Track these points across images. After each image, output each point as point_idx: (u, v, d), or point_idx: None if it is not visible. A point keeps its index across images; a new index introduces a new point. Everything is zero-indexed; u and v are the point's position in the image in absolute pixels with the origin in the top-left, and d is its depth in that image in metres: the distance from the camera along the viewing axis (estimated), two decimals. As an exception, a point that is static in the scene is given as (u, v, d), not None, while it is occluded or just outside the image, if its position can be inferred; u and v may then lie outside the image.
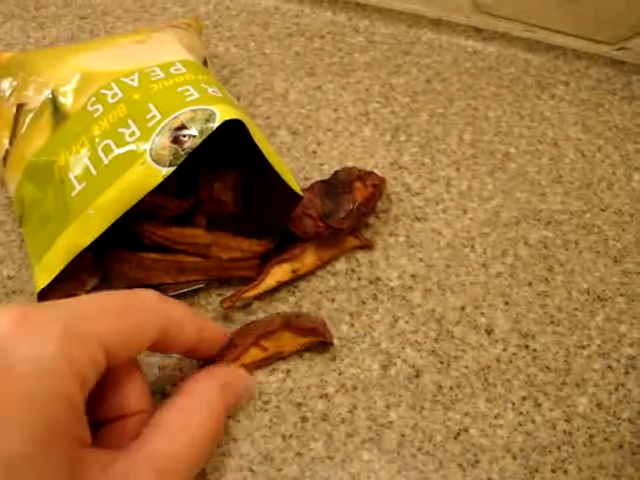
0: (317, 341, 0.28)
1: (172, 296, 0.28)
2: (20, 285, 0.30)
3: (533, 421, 0.28)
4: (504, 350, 0.30)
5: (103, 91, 0.28)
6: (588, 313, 0.31)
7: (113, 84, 0.28)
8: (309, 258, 0.31)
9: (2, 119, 0.30)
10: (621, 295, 0.32)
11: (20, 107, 0.29)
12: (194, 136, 0.25)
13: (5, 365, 0.17)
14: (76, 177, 0.26)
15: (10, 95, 0.30)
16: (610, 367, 0.30)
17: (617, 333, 0.31)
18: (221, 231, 0.30)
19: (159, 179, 0.25)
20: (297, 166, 0.36)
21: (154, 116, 0.26)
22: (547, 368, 0.29)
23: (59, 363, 0.18)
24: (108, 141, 0.26)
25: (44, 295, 0.26)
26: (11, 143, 0.29)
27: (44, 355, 0.18)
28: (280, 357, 0.28)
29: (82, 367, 0.18)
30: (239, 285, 0.30)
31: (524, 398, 0.28)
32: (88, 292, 0.28)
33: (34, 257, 0.27)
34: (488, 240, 0.34)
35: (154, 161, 0.25)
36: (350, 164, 0.36)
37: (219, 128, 0.25)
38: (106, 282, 0.29)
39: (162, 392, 0.27)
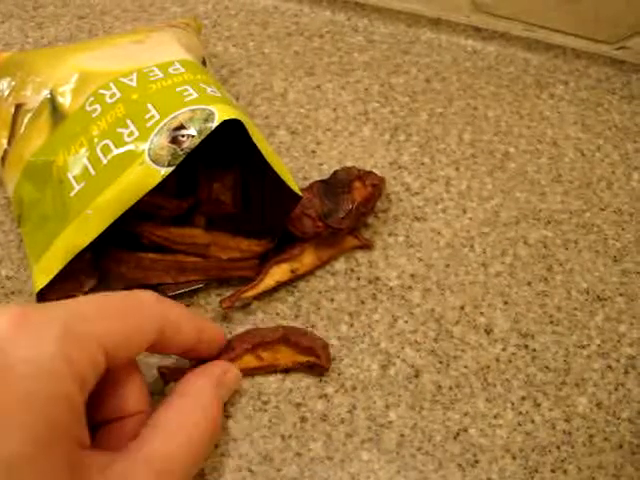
0: (313, 362, 0.28)
1: (171, 296, 0.28)
2: (19, 285, 0.30)
3: (532, 421, 0.28)
4: (503, 350, 0.30)
5: (101, 91, 0.28)
6: (588, 313, 0.31)
7: (111, 84, 0.28)
8: (308, 258, 0.31)
9: (0, 119, 0.30)
10: (621, 295, 0.32)
11: (18, 107, 0.29)
12: (193, 136, 0.25)
13: (4, 365, 0.17)
14: (75, 177, 0.26)
15: (8, 95, 0.30)
16: (610, 367, 0.30)
17: (617, 333, 0.31)
18: (220, 231, 0.30)
19: (158, 179, 0.25)
20: (296, 166, 0.36)
21: (153, 116, 0.26)
22: (546, 368, 0.29)
23: (58, 364, 0.18)
24: (107, 141, 0.26)
25: (43, 295, 0.26)
26: (9, 143, 0.29)
27: (43, 356, 0.18)
28: (274, 369, 0.28)
29: (81, 368, 0.18)
30: (238, 285, 0.30)
31: (523, 398, 0.28)
32: (86, 293, 0.28)
33: (33, 257, 0.27)
34: (487, 240, 0.34)
35: (153, 161, 0.25)
36: (349, 164, 0.36)
37: (218, 128, 0.25)
38: (104, 283, 0.29)
39: (161, 392, 0.27)
